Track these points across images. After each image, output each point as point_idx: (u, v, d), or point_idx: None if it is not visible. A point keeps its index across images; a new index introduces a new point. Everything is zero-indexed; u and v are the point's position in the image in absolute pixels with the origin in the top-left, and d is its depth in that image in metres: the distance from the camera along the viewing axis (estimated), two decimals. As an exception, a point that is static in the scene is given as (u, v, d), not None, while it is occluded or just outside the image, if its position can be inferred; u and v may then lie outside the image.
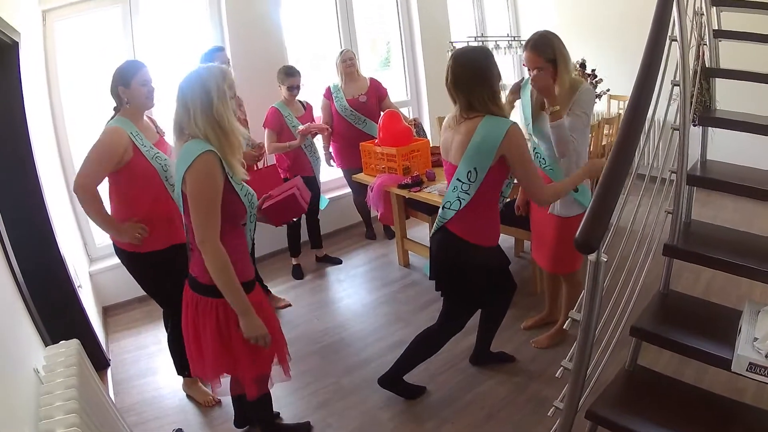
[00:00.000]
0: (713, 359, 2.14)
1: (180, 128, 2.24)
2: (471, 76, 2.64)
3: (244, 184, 2.34)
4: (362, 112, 5.26)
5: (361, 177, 5.06)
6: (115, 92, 2.92)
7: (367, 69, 5.52)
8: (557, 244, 3.38)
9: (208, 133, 2.18)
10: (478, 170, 2.67)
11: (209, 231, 2.16)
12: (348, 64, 5.18)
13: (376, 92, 5.39)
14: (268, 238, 5.20)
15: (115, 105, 2.97)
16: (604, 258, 1.57)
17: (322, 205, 5.12)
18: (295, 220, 3.64)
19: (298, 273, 5.19)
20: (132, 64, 2.99)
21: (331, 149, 5.43)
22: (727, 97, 3.17)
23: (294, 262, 5.24)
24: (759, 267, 2.25)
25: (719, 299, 3.41)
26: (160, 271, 2.98)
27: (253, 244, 4.26)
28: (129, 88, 2.86)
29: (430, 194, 4.26)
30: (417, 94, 6.98)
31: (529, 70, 3.16)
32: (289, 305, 4.57)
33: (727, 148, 3.31)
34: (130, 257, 3.06)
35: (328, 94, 5.31)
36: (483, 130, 2.62)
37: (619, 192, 1.61)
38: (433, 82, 6.75)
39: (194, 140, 2.19)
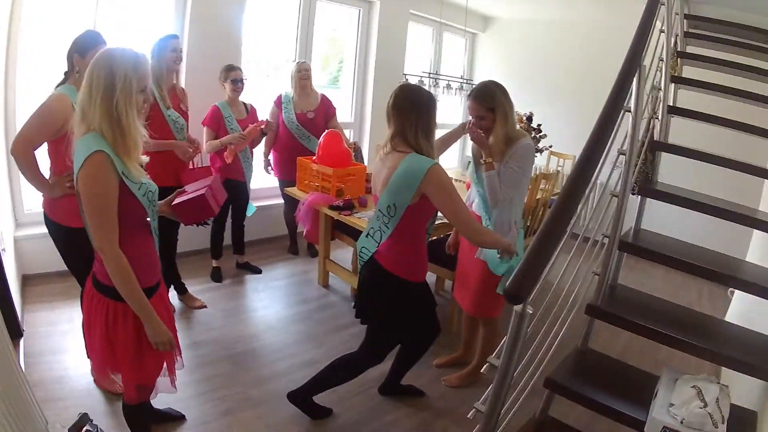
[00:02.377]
0: (626, 419, 2.21)
1: (82, 111, 2.05)
2: (411, 104, 2.73)
3: (144, 181, 2.19)
4: (307, 128, 5.29)
5: (293, 191, 5.03)
6: (70, 58, 2.90)
7: (315, 85, 5.53)
8: (480, 289, 3.44)
9: (103, 127, 2.02)
10: (398, 206, 2.74)
11: (105, 236, 2.05)
12: (303, 75, 5.22)
13: (325, 110, 5.44)
14: (192, 236, 5.05)
15: (65, 70, 2.95)
16: (529, 310, 1.60)
17: (250, 211, 5.08)
18: (207, 223, 3.49)
19: (216, 276, 5.11)
20: (92, 35, 2.95)
21: (270, 157, 5.44)
22: (672, 170, 3.29)
23: (214, 264, 5.17)
24: (677, 335, 2.34)
25: (635, 362, 3.50)
26: (86, 249, 2.91)
27: (175, 240, 4.30)
28: (84, 59, 2.81)
29: (360, 220, 4.28)
30: (361, 119, 7.08)
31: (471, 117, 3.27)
32: (204, 306, 4.50)
33: (662, 219, 3.43)
34: (59, 230, 2.98)
35: (279, 103, 5.31)
36: (404, 166, 2.68)
37: (554, 249, 1.65)
38: (379, 110, 6.85)
39: (89, 134, 2.03)
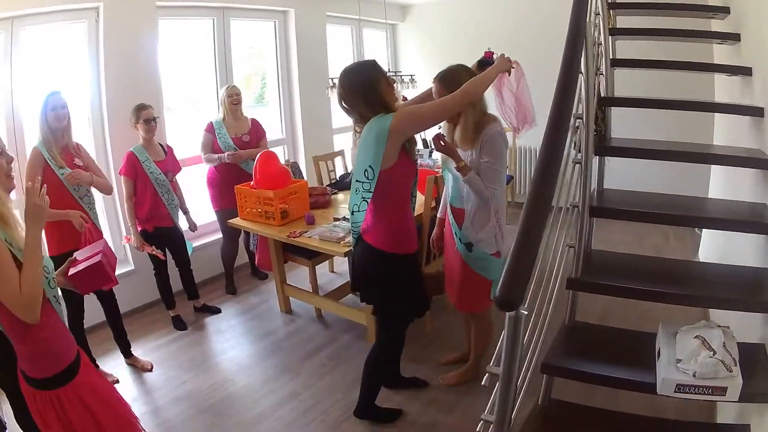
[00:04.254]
0: (635, 385, 2.16)
1: None
2: (355, 92, 2.74)
3: None
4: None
5: (237, 222, 4.71)
6: None
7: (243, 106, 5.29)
8: (463, 283, 3.31)
9: None
10: (374, 166, 2.69)
11: (9, 289, 1.88)
12: (234, 99, 5.02)
13: (256, 133, 5.24)
14: (139, 289, 4.99)
15: None
16: (524, 312, 1.46)
17: (189, 249, 4.83)
18: (104, 289, 3.27)
19: (179, 324, 4.82)
20: None
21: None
22: (620, 125, 3.22)
23: (172, 314, 4.87)
24: (665, 290, 2.34)
25: (618, 322, 3.46)
26: None
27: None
28: None
29: (311, 239, 4.02)
30: (293, 133, 6.83)
31: None
32: (150, 370, 4.13)
33: (622, 176, 3.37)
34: None
35: (211, 129, 5.06)
36: (370, 125, 2.71)
37: (539, 239, 1.51)
38: (310, 121, 6.70)
39: None
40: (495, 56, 3.07)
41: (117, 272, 4.09)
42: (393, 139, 2.64)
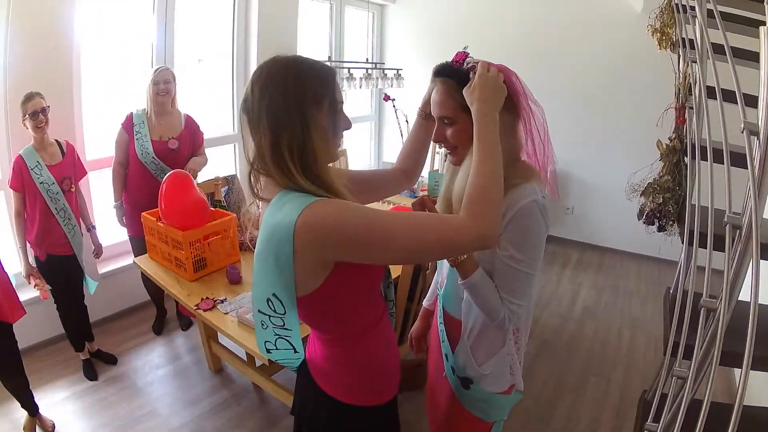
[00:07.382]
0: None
1: None
2: (265, 104, 1.32)
3: None
4: (168, 163, 3.80)
5: (143, 262, 3.47)
6: None
7: (186, 95, 4.06)
8: (450, 422, 2.02)
9: None
10: (281, 295, 1.38)
11: None
12: (161, 89, 3.72)
13: (192, 137, 3.98)
14: (49, 318, 3.86)
15: None
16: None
17: (91, 288, 3.74)
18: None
19: (90, 371, 3.80)
20: None
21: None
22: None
23: (82, 357, 3.85)
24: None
25: None
26: None
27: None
28: None
29: (226, 320, 2.76)
30: None
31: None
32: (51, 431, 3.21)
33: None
34: None
35: (129, 126, 3.78)
36: (266, 224, 1.36)
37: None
38: None
39: None
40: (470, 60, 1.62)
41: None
42: (304, 256, 1.29)
